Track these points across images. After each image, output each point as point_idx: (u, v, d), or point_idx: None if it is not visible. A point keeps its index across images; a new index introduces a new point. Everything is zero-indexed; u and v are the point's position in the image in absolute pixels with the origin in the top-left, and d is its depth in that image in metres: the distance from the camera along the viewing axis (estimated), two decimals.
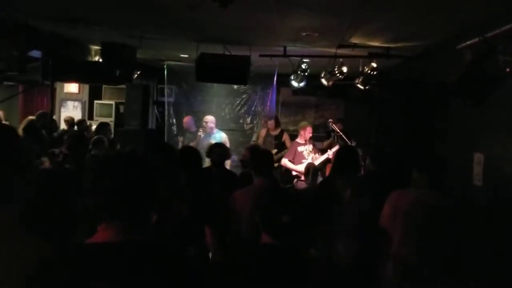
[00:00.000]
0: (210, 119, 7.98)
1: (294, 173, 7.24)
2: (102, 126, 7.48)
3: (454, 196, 4.16)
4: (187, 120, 8.70)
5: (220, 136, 7.91)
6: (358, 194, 3.84)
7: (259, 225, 2.44)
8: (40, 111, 7.48)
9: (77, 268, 1.46)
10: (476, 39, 3.54)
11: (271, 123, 8.21)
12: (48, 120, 6.93)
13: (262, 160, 3.93)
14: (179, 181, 3.50)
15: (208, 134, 7.88)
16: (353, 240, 3.77)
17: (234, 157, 7.89)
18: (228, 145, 7.67)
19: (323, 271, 2.81)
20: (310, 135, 7.40)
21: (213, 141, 7.59)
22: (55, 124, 7.49)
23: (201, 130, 8.12)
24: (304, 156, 7.17)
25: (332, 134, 8.15)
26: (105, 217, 1.56)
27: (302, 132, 7.38)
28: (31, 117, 7.17)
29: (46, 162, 4.83)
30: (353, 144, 7.17)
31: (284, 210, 2.40)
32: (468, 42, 3.68)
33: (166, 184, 3.00)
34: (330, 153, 6.98)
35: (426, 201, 3.42)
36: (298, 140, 7.44)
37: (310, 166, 5.96)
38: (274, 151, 7.94)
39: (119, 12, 4.82)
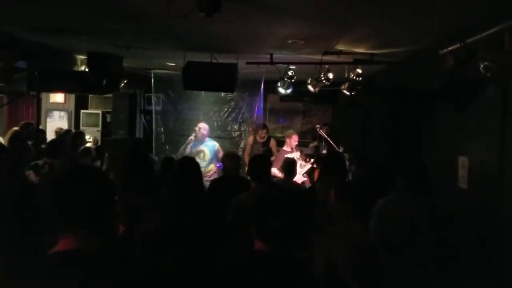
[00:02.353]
0: (204, 126, 7.99)
1: None
2: (78, 135, 7.38)
3: (439, 199, 4.22)
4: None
5: (213, 144, 7.94)
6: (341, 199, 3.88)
7: (251, 232, 2.45)
8: (23, 122, 7.40)
9: (37, 279, 1.50)
10: (458, 45, 3.61)
11: (263, 132, 8.24)
12: (32, 130, 6.88)
13: (257, 165, 4.00)
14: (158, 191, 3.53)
15: (200, 141, 7.89)
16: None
17: (221, 164, 7.92)
18: (221, 153, 7.76)
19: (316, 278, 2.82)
20: (296, 143, 7.50)
21: (204, 148, 7.74)
22: (43, 135, 7.40)
23: (193, 135, 8.13)
24: None
25: (318, 138, 8.21)
26: (64, 227, 1.60)
27: (288, 140, 7.50)
28: (16, 128, 7.10)
29: (31, 175, 4.82)
30: (340, 150, 7.24)
31: (274, 215, 2.42)
32: (449, 48, 3.75)
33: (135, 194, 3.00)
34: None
35: (412, 205, 3.48)
36: (285, 148, 7.53)
37: (284, 161, 5.94)
38: None
39: (105, 21, 4.82)
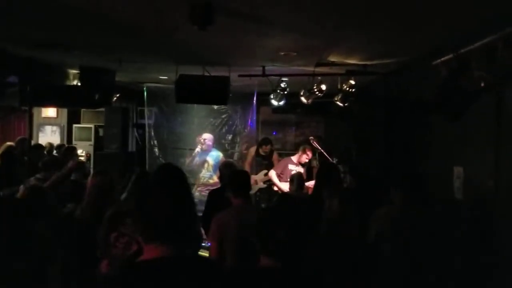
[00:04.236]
0: (208, 137, 8.12)
1: (275, 188, 7.27)
2: (69, 149, 7.29)
3: (434, 209, 4.22)
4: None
5: (217, 155, 8.09)
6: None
7: (255, 248, 2.38)
8: (19, 137, 7.34)
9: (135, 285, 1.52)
10: (451, 55, 3.63)
11: (267, 148, 8.19)
12: (27, 145, 6.82)
13: (240, 180, 3.94)
14: None
15: (205, 151, 7.95)
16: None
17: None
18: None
19: None
20: (306, 160, 7.42)
21: (209, 158, 7.94)
22: (40, 151, 7.31)
23: (199, 146, 8.19)
24: None
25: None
26: (153, 237, 1.59)
27: (300, 153, 7.38)
28: (9, 143, 7.04)
29: (21, 190, 4.78)
30: (334, 161, 7.23)
31: (280, 228, 2.36)
32: (443, 59, 3.76)
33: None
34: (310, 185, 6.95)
35: (405, 216, 3.47)
36: (293, 158, 7.46)
37: (296, 175, 6.01)
38: (264, 171, 7.89)
39: (98, 36, 4.81)
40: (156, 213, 1.58)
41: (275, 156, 8.24)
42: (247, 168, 7.89)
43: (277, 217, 2.54)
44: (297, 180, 5.81)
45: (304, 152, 7.38)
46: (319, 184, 4.44)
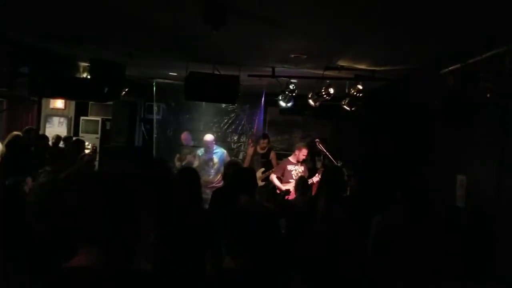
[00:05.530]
0: (207, 140, 8.24)
1: (278, 191, 7.30)
2: (78, 142, 7.31)
3: (437, 216, 4.24)
4: (184, 136, 9.00)
5: (221, 152, 8.19)
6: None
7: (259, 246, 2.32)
8: (27, 127, 7.40)
9: None
10: (458, 65, 3.66)
11: (264, 142, 8.27)
12: (32, 136, 6.87)
13: (246, 177, 3.98)
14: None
15: (209, 152, 8.14)
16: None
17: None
18: (228, 159, 7.87)
19: None
20: (304, 157, 7.45)
21: (213, 156, 8.07)
22: (46, 142, 7.37)
23: (202, 149, 8.34)
24: (293, 176, 7.19)
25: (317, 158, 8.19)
26: (86, 241, 1.52)
27: (297, 152, 7.42)
28: (16, 133, 7.08)
29: (29, 182, 4.82)
30: (339, 164, 7.24)
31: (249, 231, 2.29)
32: (450, 68, 3.79)
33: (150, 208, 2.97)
34: (314, 180, 6.96)
35: (408, 222, 3.49)
36: (291, 158, 7.48)
37: (299, 180, 6.05)
38: (262, 169, 7.98)
39: (110, 30, 4.86)
40: (91, 217, 1.51)
41: (272, 154, 8.28)
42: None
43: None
44: (300, 186, 5.87)
45: (300, 150, 7.41)
46: (323, 186, 4.45)
